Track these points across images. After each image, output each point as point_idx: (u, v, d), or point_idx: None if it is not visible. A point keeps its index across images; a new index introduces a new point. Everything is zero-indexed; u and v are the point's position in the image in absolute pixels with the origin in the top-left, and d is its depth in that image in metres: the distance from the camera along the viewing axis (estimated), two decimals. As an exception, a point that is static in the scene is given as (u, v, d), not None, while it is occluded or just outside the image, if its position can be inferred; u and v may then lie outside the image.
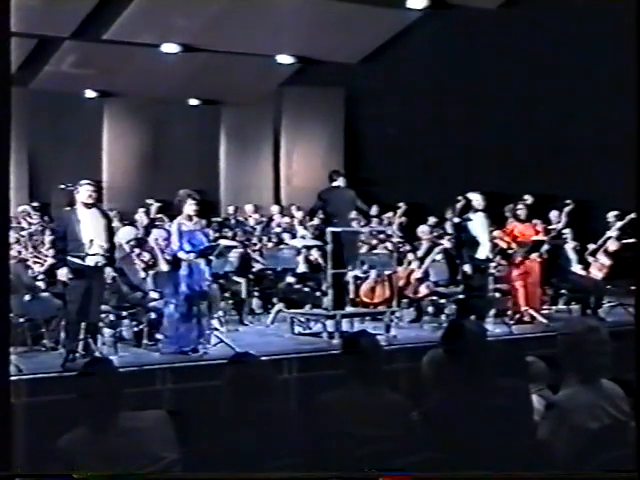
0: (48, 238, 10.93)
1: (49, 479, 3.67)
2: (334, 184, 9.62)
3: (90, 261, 7.86)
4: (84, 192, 8.02)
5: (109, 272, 8.09)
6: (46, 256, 10.33)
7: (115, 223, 12.89)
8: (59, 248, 8.15)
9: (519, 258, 10.16)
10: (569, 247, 11.18)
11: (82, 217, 7.96)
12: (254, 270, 11.60)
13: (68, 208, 8.21)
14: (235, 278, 10.97)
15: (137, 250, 10.05)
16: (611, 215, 11.15)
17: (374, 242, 12.15)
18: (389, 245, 11.86)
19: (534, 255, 10.26)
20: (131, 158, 17.19)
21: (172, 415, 3.91)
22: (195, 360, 7.99)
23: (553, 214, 11.82)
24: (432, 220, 12.73)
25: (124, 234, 10.32)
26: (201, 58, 15.08)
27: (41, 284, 9.55)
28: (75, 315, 7.86)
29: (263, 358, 4.79)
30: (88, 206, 8.01)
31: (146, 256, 10.07)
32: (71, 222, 7.95)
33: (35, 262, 10.25)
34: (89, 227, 7.94)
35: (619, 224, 10.95)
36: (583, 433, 3.79)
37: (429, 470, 3.63)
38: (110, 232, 8.25)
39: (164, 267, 9.55)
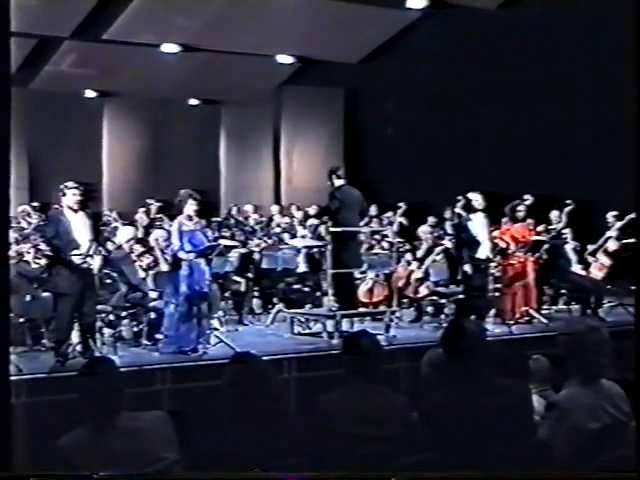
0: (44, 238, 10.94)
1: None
2: (339, 182, 9.54)
3: (82, 262, 7.84)
4: (70, 196, 7.97)
5: (101, 273, 8.09)
6: (45, 256, 10.32)
7: (115, 223, 12.97)
8: (50, 248, 8.13)
9: (517, 258, 10.16)
10: (569, 247, 11.17)
11: (70, 218, 7.94)
12: (254, 270, 11.59)
13: (56, 207, 8.18)
14: (235, 278, 10.97)
15: (137, 250, 10.05)
16: (611, 215, 11.15)
17: (373, 242, 12.16)
18: (385, 245, 11.86)
19: (532, 255, 10.27)
20: (131, 158, 17.19)
21: (172, 415, 3.91)
22: (195, 360, 7.99)
23: (553, 214, 11.82)
24: (432, 220, 12.73)
25: (124, 234, 10.33)
26: (201, 58, 15.09)
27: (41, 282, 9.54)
28: (67, 316, 7.85)
29: (263, 358, 4.79)
30: (75, 211, 7.97)
31: (146, 256, 10.06)
32: (61, 223, 7.93)
33: (35, 262, 10.24)
34: (77, 227, 7.92)
35: (619, 224, 10.95)
36: (583, 433, 3.79)
37: (429, 470, 3.62)
38: (97, 232, 8.21)
39: (164, 267, 9.55)
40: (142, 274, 9.69)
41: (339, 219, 9.35)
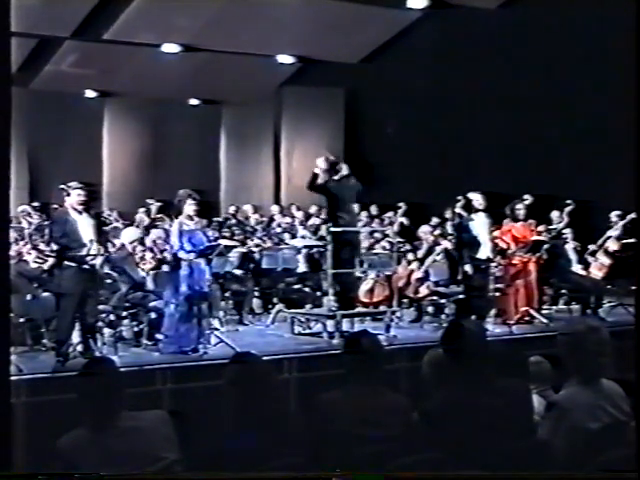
0: (47, 237, 10.94)
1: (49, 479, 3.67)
2: (338, 176, 9.62)
3: (85, 262, 7.84)
4: (75, 196, 7.97)
5: (103, 273, 8.09)
6: (47, 256, 10.32)
7: (115, 223, 12.97)
8: (56, 248, 8.14)
9: (517, 258, 10.16)
10: (569, 247, 11.17)
11: (75, 218, 7.95)
12: (254, 270, 11.59)
13: (56, 206, 8.17)
14: (235, 271, 10.96)
15: (139, 251, 10.05)
16: (611, 215, 11.15)
17: (372, 242, 12.16)
18: (387, 245, 11.86)
19: (533, 255, 10.27)
20: (131, 158, 17.20)
21: (172, 415, 3.90)
22: (195, 360, 7.99)
23: (554, 214, 11.82)
24: (433, 220, 12.73)
25: (127, 235, 10.33)
26: (201, 58, 15.09)
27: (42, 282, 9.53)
28: (70, 316, 7.85)
29: (264, 358, 4.79)
30: (79, 212, 7.98)
31: (148, 256, 10.07)
32: (68, 223, 7.93)
33: (35, 261, 10.24)
34: (82, 227, 7.93)
35: (619, 224, 10.95)
36: (583, 433, 3.79)
37: (429, 470, 3.62)
38: (99, 233, 8.22)
39: (164, 267, 9.55)
40: (142, 274, 9.69)
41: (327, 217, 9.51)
